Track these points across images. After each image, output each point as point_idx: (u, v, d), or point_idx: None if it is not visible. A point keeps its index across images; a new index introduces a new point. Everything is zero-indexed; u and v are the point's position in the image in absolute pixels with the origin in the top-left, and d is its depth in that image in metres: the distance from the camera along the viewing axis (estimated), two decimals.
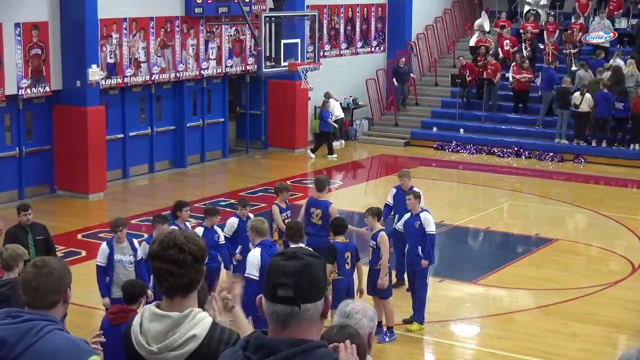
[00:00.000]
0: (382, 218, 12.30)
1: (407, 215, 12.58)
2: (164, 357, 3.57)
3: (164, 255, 3.56)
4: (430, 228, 12.36)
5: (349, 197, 20.75)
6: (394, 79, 27.19)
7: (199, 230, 12.08)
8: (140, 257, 11.29)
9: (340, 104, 26.24)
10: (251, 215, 12.67)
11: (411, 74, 27.78)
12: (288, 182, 17.54)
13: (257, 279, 9.94)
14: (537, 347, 11.94)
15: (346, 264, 11.44)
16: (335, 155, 24.32)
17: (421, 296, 12.36)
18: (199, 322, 3.59)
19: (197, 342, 3.56)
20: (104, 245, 11.35)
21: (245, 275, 10.16)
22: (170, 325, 3.57)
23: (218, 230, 12.38)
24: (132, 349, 3.67)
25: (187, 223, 12.34)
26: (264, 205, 17.82)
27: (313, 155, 24.44)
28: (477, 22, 28.96)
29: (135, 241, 11.48)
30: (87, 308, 12.29)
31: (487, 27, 28.54)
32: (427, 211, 12.60)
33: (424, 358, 12.30)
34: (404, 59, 27.17)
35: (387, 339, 11.92)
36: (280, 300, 3.02)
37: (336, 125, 24.97)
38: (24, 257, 8.59)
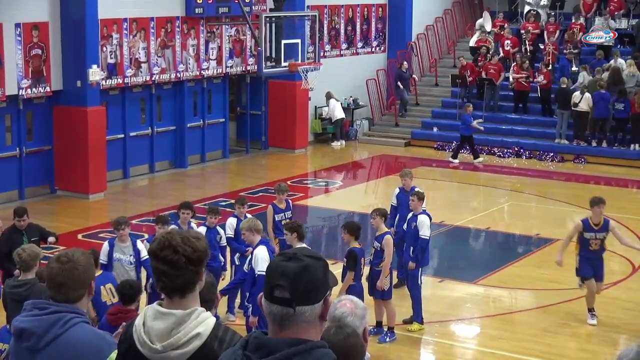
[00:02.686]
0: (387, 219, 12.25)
1: (410, 215, 12.59)
2: (167, 355, 3.53)
3: (159, 255, 3.53)
4: (423, 232, 12.30)
5: (349, 197, 20.76)
6: (399, 83, 27.10)
7: (202, 230, 12.07)
8: (144, 257, 11.30)
9: (341, 104, 26.26)
10: (248, 215, 12.66)
11: (413, 75, 27.76)
12: (288, 183, 17.56)
13: None
14: (537, 347, 11.94)
15: (361, 270, 11.25)
16: (481, 159, 23.88)
17: (415, 297, 12.34)
18: (202, 321, 3.57)
19: (200, 340, 3.53)
20: (105, 243, 11.46)
21: (257, 272, 10.15)
22: (174, 323, 3.54)
23: (221, 230, 12.41)
24: (132, 350, 3.62)
25: (192, 223, 12.34)
26: (264, 205, 17.77)
27: (456, 161, 23.92)
28: (479, 21, 28.94)
29: (138, 242, 11.53)
30: None
31: (488, 27, 28.52)
32: (427, 214, 12.57)
33: (424, 358, 12.30)
34: (406, 64, 27.10)
35: (387, 339, 11.91)
36: (276, 301, 3.02)
37: (481, 128, 24.03)
38: (40, 257, 8.62)
